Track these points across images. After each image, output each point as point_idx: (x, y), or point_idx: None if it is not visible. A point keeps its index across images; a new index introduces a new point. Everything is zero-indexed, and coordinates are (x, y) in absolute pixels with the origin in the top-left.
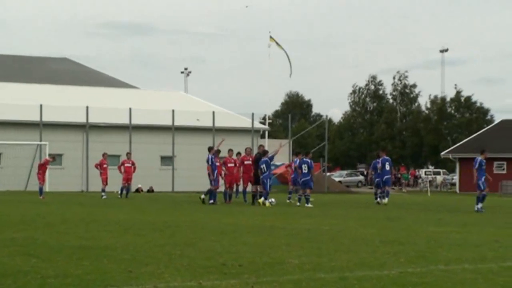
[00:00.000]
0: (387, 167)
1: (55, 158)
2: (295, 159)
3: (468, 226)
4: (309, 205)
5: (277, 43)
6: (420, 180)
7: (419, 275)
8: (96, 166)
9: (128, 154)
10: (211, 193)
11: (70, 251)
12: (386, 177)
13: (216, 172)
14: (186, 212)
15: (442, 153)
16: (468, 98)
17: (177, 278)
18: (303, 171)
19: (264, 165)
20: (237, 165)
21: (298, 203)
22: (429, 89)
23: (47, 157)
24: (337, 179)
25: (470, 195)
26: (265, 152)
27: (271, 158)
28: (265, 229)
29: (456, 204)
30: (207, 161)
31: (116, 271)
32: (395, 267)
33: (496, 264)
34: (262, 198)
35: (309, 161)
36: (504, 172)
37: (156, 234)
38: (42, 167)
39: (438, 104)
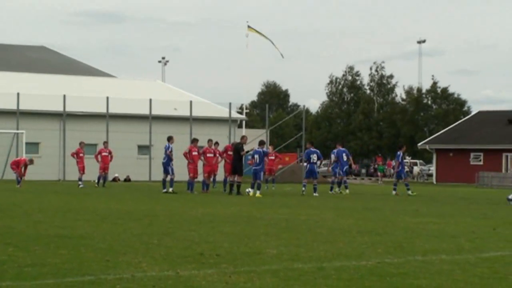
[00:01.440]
0: (344, 157)
1: (33, 162)
2: (309, 149)
3: (445, 217)
4: (316, 194)
5: (256, 31)
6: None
7: (396, 265)
8: (72, 155)
9: (105, 143)
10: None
11: (47, 240)
12: (345, 167)
13: (171, 162)
14: (163, 202)
15: (419, 144)
16: (445, 89)
17: (155, 267)
18: (312, 161)
19: (257, 156)
20: (216, 155)
21: (303, 192)
22: (406, 80)
23: (27, 159)
24: None
25: (447, 186)
26: (262, 143)
27: (265, 152)
28: (242, 219)
29: (433, 195)
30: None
31: (94, 260)
32: (372, 258)
33: (473, 255)
34: (258, 191)
35: (317, 151)
36: (481, 163)
37: (133, 223)
38: (17, 164)
39: (413, 95)
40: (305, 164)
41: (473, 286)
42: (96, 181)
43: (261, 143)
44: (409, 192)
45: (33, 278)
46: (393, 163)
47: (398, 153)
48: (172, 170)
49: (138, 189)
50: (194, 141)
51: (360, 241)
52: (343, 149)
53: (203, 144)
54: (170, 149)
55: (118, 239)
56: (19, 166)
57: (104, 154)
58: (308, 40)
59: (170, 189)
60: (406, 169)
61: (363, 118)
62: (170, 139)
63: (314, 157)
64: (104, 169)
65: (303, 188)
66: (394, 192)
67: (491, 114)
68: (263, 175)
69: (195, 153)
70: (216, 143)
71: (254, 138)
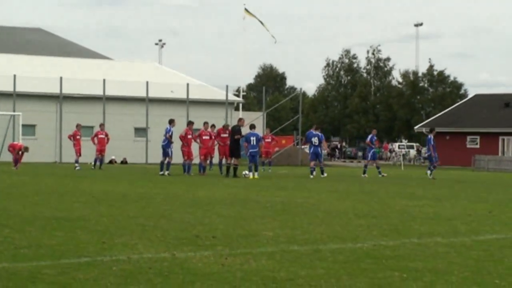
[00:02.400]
0: (316, 142)
1: (28, 150)
2: (311, 131)
3: (441, 200)
4: (325, 175)
5: (251, 14)
6: (393, 154)
7: (392, 248)
8: (69, 137)
9: (102, 125)
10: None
11: (43, 222)
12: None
13: (171, 144)
14: (160, 184)
15: (416, 127)
16: (441, 73)
17: (151, 249)
18: (313, 143)
19: (254, 138)
20: (212, 137)
21: (312, 176)
22: (403, 63)
23: (23, 146)
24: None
25: (444, 169)
26: (253, 126)
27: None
28: (239, 201)
29: (428, 178)
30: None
31: (90, 242)
32: (368, 240)
33: (469, 238)
34: (256, 173)
35: (319, 134)
36: (477, 146)
37: (129, 205)
38: (14, 147)
39: (409, 78)
40: (307, 147)
41: (468, 268)
42: (93, 163)
43: (253, 127)
44: (430, 176)
45: (29, 259)
46: (425, 149)
47: (429, 136)
48: (171, 153)
49: (135, 171)
50: (189, 123)
51: (356, 224)
52: (317, 133)
53: (200, 127)
54: (170, 132)
55: (114, 221)
56: (15, 151)
57: (100, 136)
58: (305, 23)
59: (166, 172)
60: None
61: (359, 101)
62: (171, 122)
63: (315, 140)
64: (101, 151)
65: (313, 173)
66: (430, 176)
67: (488, 97)
68: (259, 158)
69: (190, 136)
70: (213, 126)
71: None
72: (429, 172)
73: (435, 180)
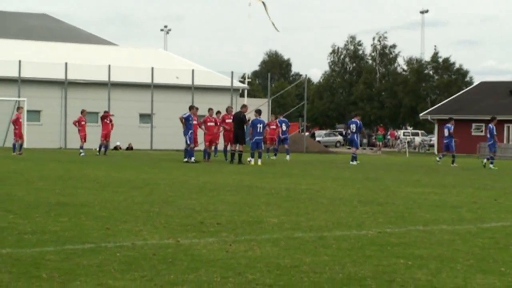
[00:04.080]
0: (354, 129)
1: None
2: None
3: (446, 187)
4: (354, 162)
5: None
6: (398, 141)
7: (397, 235)
8: (74, 123)
9: (106, 112)
10: (186, 152)
11: (47, 207)
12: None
13: (191, 131)
14: (165, 170)
15: (421, 114)
16: (446, 60)
17: (155, 235)
18: (351, 130)
19: (261, 125)
20: (218, 123)
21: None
22: (409, 50)
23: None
24: (316, 139)
25: (448, 156)
26: (259, 112)
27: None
28: (243, 188)
29: (434, 165)
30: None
31: (94, 228)
32: (373, 227)
33: (474, 225)
34: (260, 160)
35: (358, 122)
36: (483, 134)
37: (134, 191)
38: (17, 123)
39: (414, 65)
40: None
41: (473, 256)
42: (97, 149)
43: (258, 112)
44: (491, 166)
45: (33, 245)
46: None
47: (490, 126)
48: (190, 139)
49: (140, 157)
50: (192, 108)
51: (361, 211)
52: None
53: (204, 113)
54: (185, 116)
55: (118, 207)
56: (19, 120)
57: (106, 121)
58: (310, 9)
59: (192, 159)
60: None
61: (365, 88)
62: (191, 108)
63: (352, 127)
64: (106, 137)
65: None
66: (491, 166)
67: (493, 85)
68: (263, 144)
69: (194, 122)
70: (218, 112)
71: (255, 107)
72: (491, 165)
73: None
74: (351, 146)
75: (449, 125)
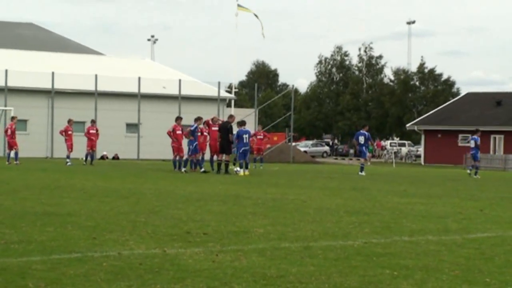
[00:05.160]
0: (362, 140)
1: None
2: (360, 131)
3: (432, 198)
4: (362, 173)
5: (246, 9)
6: (385, 152)
7: (383, 245)
8: (61, 132)
9: (93, 121)
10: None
11: (34, 217)
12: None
13: (196, 143)
14: (151, 180)
15: (408, 125)
16: (432, 70)
17: (141, 245)
18: (360, 142)
19: (246, 136)
20: (204, 133)
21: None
22: (396, 60)
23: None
24: (302, 149)
25: (436, 167)
26: (243, 123)
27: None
28: (230, 198)
29: (421, 176)
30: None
31: (80, 238)
32: (359, 238)
33: (460, 236)
34: (246, 170)
35: (366, 133)
36: (469, 144)
37: (120, 201)
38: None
39: (401, 76)
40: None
41: (459, 267)
42: (84, 158)
43: (243, 124)
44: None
45: (19, 255)
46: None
47: (475, 137)
48: (193, 150)
49: (126, 167)
50: (178, 119)
51: (347, 221)
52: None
53: (190, 122)
54: (193, 128)
55: (105, 217)
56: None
57: (91, 131)
58: (297, 20)
59: (183, 169)
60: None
61: (351, 98)
62: (198, 119)
63: (361, 139)
64: (92, 146)
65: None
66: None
67: (480, 96)
68: (250, 154)
69: (179, 132)
70: (205, 122)
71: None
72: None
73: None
74: (360, 157)
75: (475, 136)
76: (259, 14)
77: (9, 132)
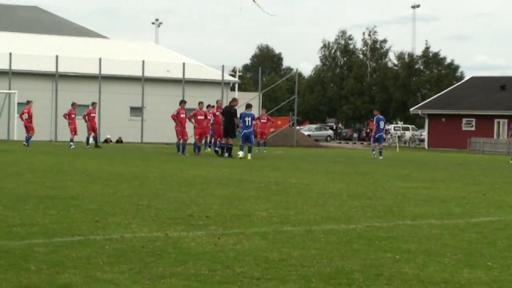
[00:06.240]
0: (381, 125)
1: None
2: (378, 115)
3: (436, 182)
4: (381, 157)
5: None
6: (389, 136)
7: (385, 229)
8: (64, 116)
9: (94, 104)
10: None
11: (37, 200)
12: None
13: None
14: (155, 163)
15: (411, 109)
16: (436, 54)
17: (144, 228)
18: (380, 127)
19: (249, 119)
20: (208, 117)
21: (373, 155)
22: (400, 45)
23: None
24: (306, 133)
25: (439, 151)
26: (249, 106)
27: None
28: (233, 182)
29: (424, 160)
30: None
31: (83, 221)
32: (362, 221)
33: (463, 220)
34: (249, 154)
35: (382, 117)
36: (473, 129)
37: (123, 184)
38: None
39: (404, 60)
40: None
41: (461, 251)
42: (86, 141)
43: (248, 106)
44: None
45: (22, 237)
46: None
47: None
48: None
49: (130, 150)
50: (182, 103)
51: (350, 205)
52: (381, 116)
53: (194, 106)
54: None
55: (108, 200)
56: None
57: (92, 115)
58: (302, 3)
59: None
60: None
61: (355, 82)
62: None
63: (381, 124)
64: (93, 129)
65: (373, 152)
66: None
67: (484, 80)
68: (254, 138)
69: (182, 115)
70: (208, 106)
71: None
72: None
73: None
74: (379, 141)
75: None
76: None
77: (25, 116)
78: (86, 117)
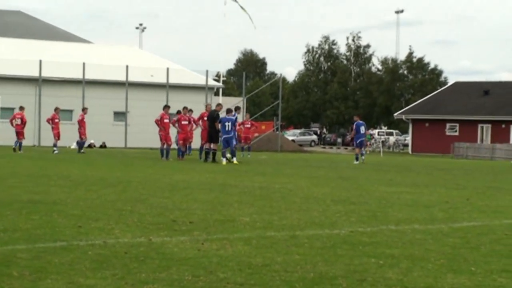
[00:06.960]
0: (362, 130)
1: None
2: (358, 121)
3: (419, 187)
4: (357, 162)
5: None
6: (373, 141)
7: (369, 234)
8: (48, 120)
9: (85, 109)
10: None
11: (19, 205)
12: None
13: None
14: (138, 168)
15: (395, 114)
16: (420, 60)
17: (127, 234)
18: (361, 132)
19: (229, 123)
20: (191, 122)
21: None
22: (384, 50)
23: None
24: (290, 138)
25: (423, 156)
26: (229, 110)
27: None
28: (217, 187)
29: (408, 165)
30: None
31: (66, 226)
32: (346, 226)
33: (446, 225)
34: (234, 158)
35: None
36: (457, 134)
37: (107, 189)
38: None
39: (388, 65)
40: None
41: (445, 255)
42: (78, 147)
43: (229, 111)
44: None
45: (4, 243)
46: None
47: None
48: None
49: (113, 155)
50: (165, 107)
51: (333, 210)
52: (361, 121)
53: (177, 110)
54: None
55: (91, 205)
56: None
57: (84, 120)
58: (285, 8)
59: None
60: None
61: (339, 87)
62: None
63: (362, 129)
64: (85, 134)
65: (363, 157)
66: None
67: (467, 85)
68: (237, 142)
69: (166, 120)
70: (190, 111)
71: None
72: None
73: None
74: (360, 146)
75: None
76: (247, 2)
77: (17, 121)
78: (81, 122)
